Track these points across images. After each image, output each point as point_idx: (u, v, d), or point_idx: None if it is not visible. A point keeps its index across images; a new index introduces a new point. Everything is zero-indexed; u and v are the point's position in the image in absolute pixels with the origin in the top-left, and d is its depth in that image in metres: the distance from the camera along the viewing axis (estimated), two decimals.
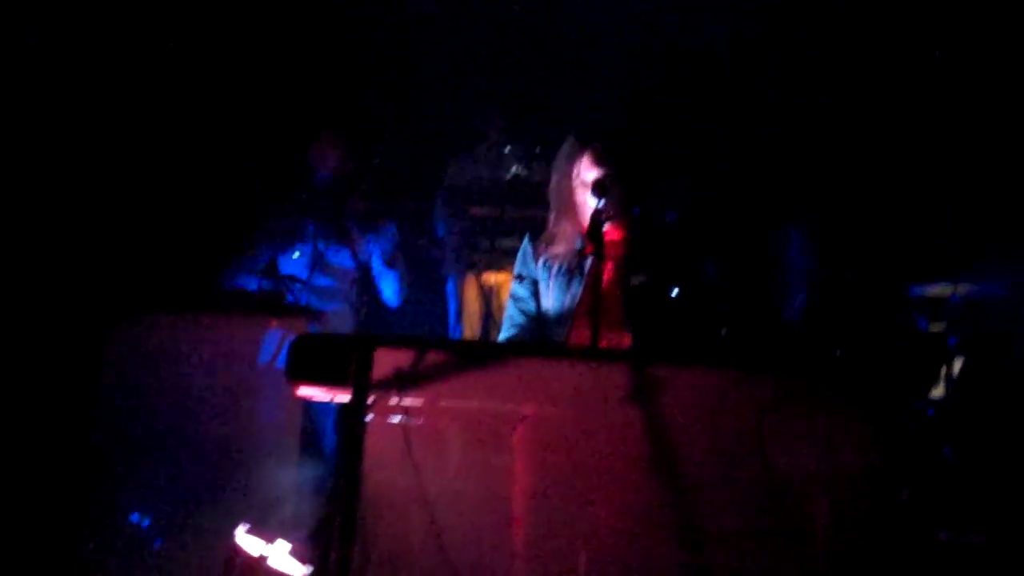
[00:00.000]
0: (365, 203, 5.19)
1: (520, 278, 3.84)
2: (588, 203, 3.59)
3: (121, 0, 5.43)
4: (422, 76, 6.52)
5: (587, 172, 3.68)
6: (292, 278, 4.98)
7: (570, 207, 3.75)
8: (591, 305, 3.27)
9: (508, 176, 5.74)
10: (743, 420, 2.76)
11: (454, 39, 6.62)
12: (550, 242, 3.81)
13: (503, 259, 5.39)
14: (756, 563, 2.73)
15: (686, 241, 3.95)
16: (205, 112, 5.79)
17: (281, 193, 5.40)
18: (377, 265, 5.33)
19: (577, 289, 3.67)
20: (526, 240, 3.88)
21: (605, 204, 3.49)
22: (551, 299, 3.73)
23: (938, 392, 5.21)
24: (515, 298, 3.83)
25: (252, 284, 5.16)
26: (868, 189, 6.27)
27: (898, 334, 5.43)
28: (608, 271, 3.60)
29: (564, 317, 3.67)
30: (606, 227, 3.56)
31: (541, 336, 3.73)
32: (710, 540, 2.73)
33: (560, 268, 3.73)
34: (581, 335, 3.57)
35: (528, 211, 5.23)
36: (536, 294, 3.79)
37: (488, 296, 5.66)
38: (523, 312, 3.79)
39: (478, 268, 5.63)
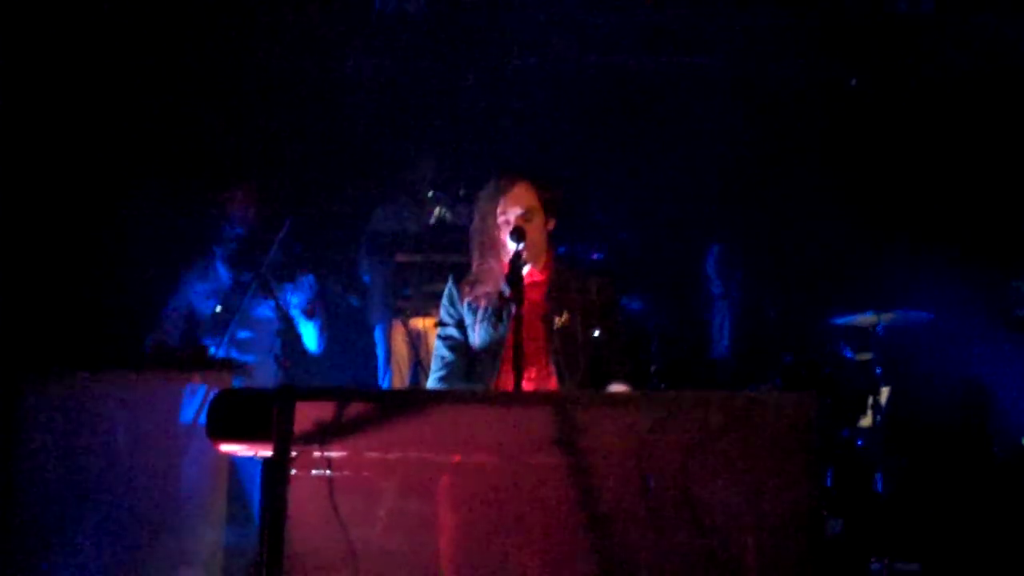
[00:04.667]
0: (282, 253, 5.12)
1: (443, 324, 3.80)
2: (509, 244, 3.57)
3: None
4: (344, 122, 6.50)
5: (510, 212, 3.67)
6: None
7: (493, 247, 3.71)
8: (513, 351, 3.25)
9: (432, 221, 5.72)
10: (669, 459, 2.74)
11: (378, 86, 6.61)
12: (475, 282, 3.77)
13: (429, 304, 5.35)
14: None
15: (612, 278, 3.95)
16: (120, 165, 5.71)
17: (199, 246, 5.33)
18: (297, 315, 5.28)
19: (504, 331, 3.63)
20: (450, 282, 3.85)
21: (524, 247, 3.50)
22: (478, 341, 3.70)
23: (866, 421, 5.24)
24: (443, 337, 3.79)
25: (174, 338, 5.10)
26: (791, 220, 6.36)
27: (823, 365, 5.47)
28: (530, 313, 3.56)
29: (492, 358, 3.64)
30: (527, 269, 3.56)
31: (471, 374, 3.70)
32: None
33: (486, 310, 3.69)
34: (508, 379, 3.54)
35: (453, 255, 5.21)
36: (464, 331, 3.76)
37: (416, 341, 5.63)
38: (453, 349, 3.75)
39: (405, 314, 5.60)
